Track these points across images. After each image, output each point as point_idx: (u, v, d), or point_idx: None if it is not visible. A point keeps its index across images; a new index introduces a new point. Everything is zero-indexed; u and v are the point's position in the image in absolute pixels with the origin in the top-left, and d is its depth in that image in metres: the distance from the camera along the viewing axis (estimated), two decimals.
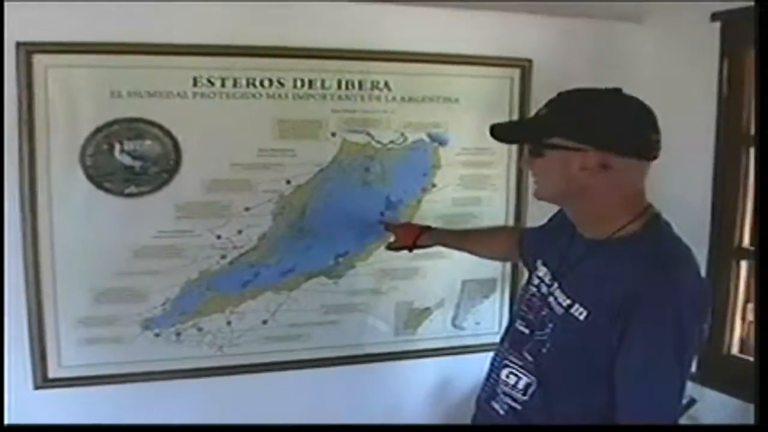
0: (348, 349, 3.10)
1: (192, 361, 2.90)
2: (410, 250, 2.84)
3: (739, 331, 3.08)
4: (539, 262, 2.02)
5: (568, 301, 1.77)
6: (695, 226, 2.99)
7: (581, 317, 1.71)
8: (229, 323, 2.92)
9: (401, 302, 3.14)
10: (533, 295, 1.96)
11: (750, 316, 3.05)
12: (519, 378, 1.88)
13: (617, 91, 1.75)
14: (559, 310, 1.79)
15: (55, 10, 2.52)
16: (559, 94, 1.81)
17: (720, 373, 3.03)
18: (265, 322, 2.96)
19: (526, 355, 1.86)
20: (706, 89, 2.97)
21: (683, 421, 2.89)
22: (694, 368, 2.94)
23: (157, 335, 2.84)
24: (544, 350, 1.81)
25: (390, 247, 2.92)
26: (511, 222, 3.16)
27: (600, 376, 1.67)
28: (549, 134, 1.75)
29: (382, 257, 3.05)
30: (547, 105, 1.82)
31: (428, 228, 2.83)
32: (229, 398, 2.96)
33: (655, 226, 1.75)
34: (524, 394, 1.85)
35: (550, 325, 1.82)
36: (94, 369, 2.80)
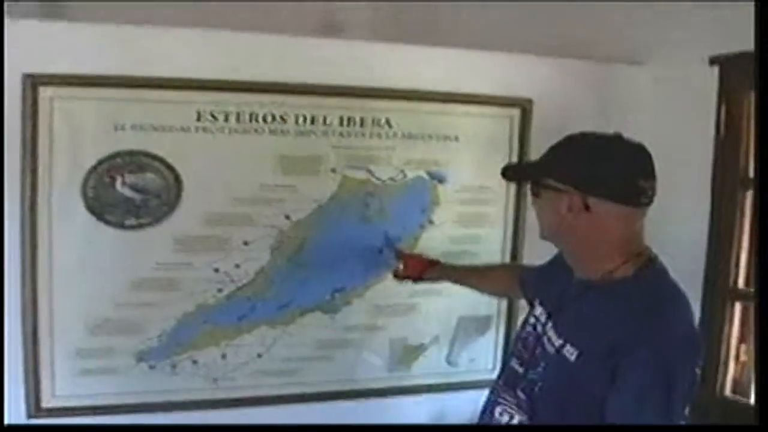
0: (342, 384, 3.09)
1: (186, 394, 2.89)
2: (415, 281, 2.85)
3: (732, 372, 3.09)
4: (536, 301, 2.05)
5: (560, 341, 1.79)
6: (691, 267, 3.02)
7: (572, 358, 1.73)
8: (224, 356, 2.91)
9: (396, 338, 3.14)
10: (529, 333, 1.98)
11: (743, 357, 3.06)
12: (512, 416, 1.89)
13: (618, 136, 1.78)
14: (551, 350, 1.81)
15: (61, 42, 2.55)
16: (565, 138, 1.85)
17: (714, 415, 3.04)
18: (260, 355, 2.95)
19: (520, 393, 1.88)
20: (704, 131, 3.00)
21: None
22: (687, 411, 3.00)
23: (151, 367, 2.83)
24: (536, 389, 1.83)
25: (396, 276, 2.93)
26: (507, 260, 3.15)
27: (592, 417, 1.67)
28: (541, 175, 1.83)
29: (379, 293, 3.06)
30: (550, 147, 1.87)
31: (436, 262, 2.85)
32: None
33: (648, 270, 1.77)
34: None
35: (543, 364, 1.84)
36: (87, 399, 2.79)
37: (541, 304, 2.01)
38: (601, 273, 1.77)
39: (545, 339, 1.86)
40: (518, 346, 2.01)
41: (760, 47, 2.08)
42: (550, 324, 1.88)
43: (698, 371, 1.69)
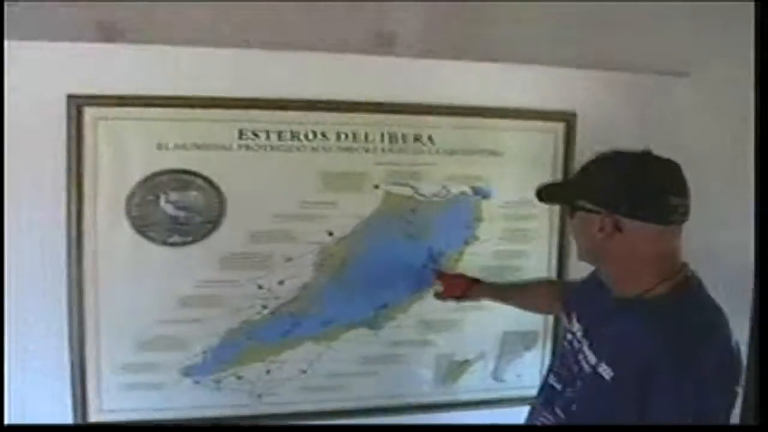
0: (387, 399, 3.09)
1: (231, 409, 2.91)
2: (458, 300, 2.84)
3: None
4: (574, 317, 2.04)
5: (595, 359, 1.79)
6: (739, 282, 2.97)
7: (607, 377, 1.72)
8: (268, 372, 2.92)
9: (441, 354, 3.12)
10: (566, 350, 1.98)
11: None
12: None
13: (648, 153, 1.78)
14: (587, 368, 1.81)
15: (105, 63, 2.59)
16: (595, 157, 1.84)
17: None
18: (304, 371, 2.96)
19: (558, 411, 1.88)
20: (747, 144, 2.95)
21: None
22: (751, 421, 2.94)
23: (196, 383, 2.86)
24: (574, 407, 1.83)
25: (438, 296, 2.91)
26: (553, 275, 3.13)
27: None
28: (573, 197, 1.82)
29: (423, 309, 3.05)
30: (581, 167, 1.86)
31: (477, 281, 2.83)
32: None
33: (685, 289, 1.75)
34: None
35: (579, 383, 1.84)
36: (133, 414, 2.83)
37: (578, 320, 2.00)
38: (637, 291, 1.76)
39: (581, 356, 1.86)
40: (557, 363, 2.01)
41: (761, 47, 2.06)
42: (586, 341, 1.88)
43: (739, 390, 1.68)
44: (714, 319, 1.72)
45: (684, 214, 1.73)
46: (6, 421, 2.62)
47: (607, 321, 1.84)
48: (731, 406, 1.67)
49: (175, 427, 2.85)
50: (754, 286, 2.13)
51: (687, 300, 1.73)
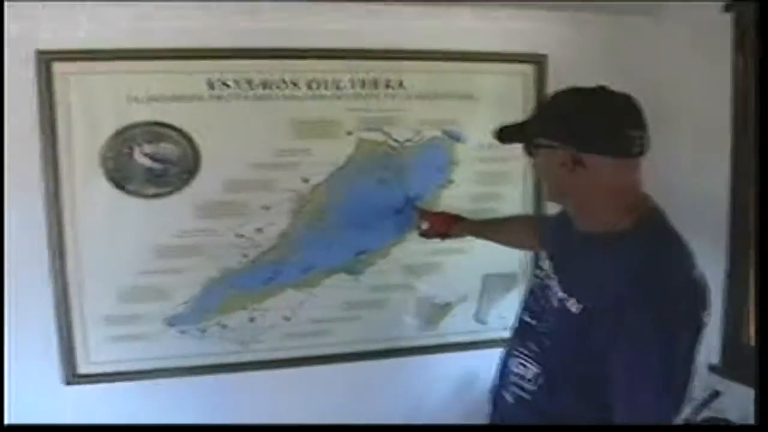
0: (370, 344, 3.14)
1: (216, 357, 2.96)
2: (442, 238, 2.88)
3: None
4: (544, 253, 2.06)
5: (564, 295, 1.80)
6: (714, 218, 3.00)
7: (576, 311, 1.74)
8: (252, 320, 2.97)
9: (423, 298, 3.17)
10: (537, 286, 1.99)
11: None
12: (527, 368, 1.90)
13: (602, 88, 1.77)
14: (556, 303, 1.82)
15: (72, 18, 2.61)
16: (552, 95, 1.86)
17: (743, 365, 3.02)
18: (287, 318, 3.01)
19: (532, 345, 1.89)
20: (721, 81, 2.96)
21: (707, 413, 2.89)
22: (717, 360, 2.98)
23: (181, 332, 2.91)
24: (547, 341, 1.85)
25: (423, 234, 2.95)
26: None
27: (599, 369, 1.67)
28: (532, 135, 1.84)
29: (403, 253, 3.09)
30: (538, 105, 1.87)
31: (460, 218, 2.87)
32: (253, 393, 3.02)
33: (648, 222, 1.76)
34: (533, 384, 1.88)
35: (550, 318, 1.86)
36: (121, 365, 2.88)
37: (547, 256, 2.02)
38: (601, 226, 1.78)
39: (550, 292, 1.88)
40: (528, 299, 2.03)
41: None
42: (555, 277, 1.89)
43: (706, 317, 1.69)
44: (677, 251, 1.73)
45: (642, 146, 1.73)
46: (6, 422, 2.65)
47: (574, 256, 1.87)
48: (699, 334, 1.69)
49: (180, 427, 2.89)
50: (755, 285, 2.14)
51: (650, 233, 1.74)
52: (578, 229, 1.87)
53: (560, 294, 1.81)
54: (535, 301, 1.97)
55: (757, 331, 2.06)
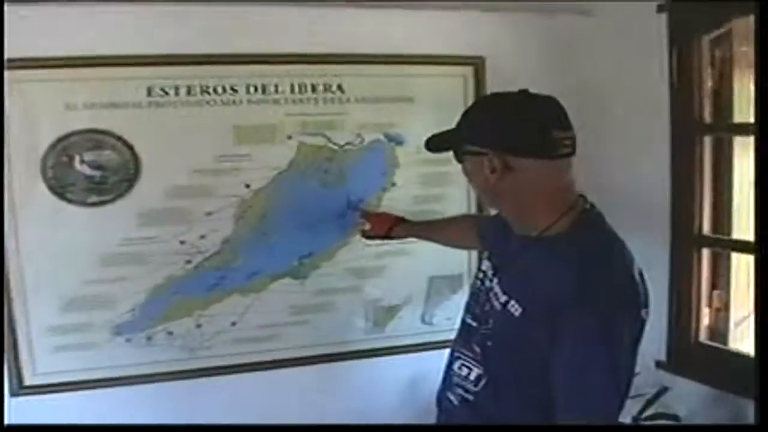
0: (318, 348, 3.15)
1: (164, 365, 2.96)
2: (383, 238, 2.91)
3: (707, 318, 3.11)
4: (485, 255, 2.08)
5: (505, 298, 1.82)
6: (656, 215, 3.05)
7: (516, 314, 1.76)
8: (198, 326, 2.98)
9: (369, 300, 3.20)
10: (479, 288, 2.01)
11: (717, 303, 3.08)
12: (470, 370, 1.92)
13: (523, 92, 1.80)
14: (498, 306, 1.84)
15: (8, 26, 2.59)
16: (476, 101, 1.89)
17: (690, 361, 3.07)
18: (234, 324, 3.02)
19: (475, 347, 1.90)
20: (657, 79, 3.01)
21: (655, 409, 2.92)
22: (664, 357, 3.01)
23: (128, 340, 2.90)
24: (489, 343, 1.86)
25: (365, 235, 2.98)
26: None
27: (541, 371, 1.68)
28: (460, 142, 1.85)
29: (347, 257, 3.12)
30: (463, 113, 1.89)
31: (402, 219, 2.90)
32: (202, 400, 3.02)
33: (584, 223, 1.78)
34: (475, 386, 1.89)
35: (491, 321, 1.86)
36: (68, 375, 2.86)
37: (488, 258, 2.05)
38: (537, 230, 1.79)
39: (492, 295, 1.89)
40: (470, 301, 2.04)
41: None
42: (496, 280, 1.91)
43: (645, 315, 1.72)
44: (613, 248, 1.76)
45: (570, 147, 1.75)
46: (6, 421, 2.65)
47: (513, 259, 1.88)
48: (639, 332, 1.71)
49: (180, 427, 2.91)
50: (755, 285, 2.17)
51: (586, 234, 1.76)
52: (516, 233, 1.89)
53: (502, 297, 1.83)
54: (476, 303, 1.98)
55: (757, 333, 2.08)
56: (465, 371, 1.93)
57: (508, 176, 1.74)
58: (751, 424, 2.46)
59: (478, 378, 1.88)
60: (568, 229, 1.76)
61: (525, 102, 1.78)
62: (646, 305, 1.73)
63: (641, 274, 1.75)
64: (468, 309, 2.04)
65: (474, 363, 1.90)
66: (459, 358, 1.98)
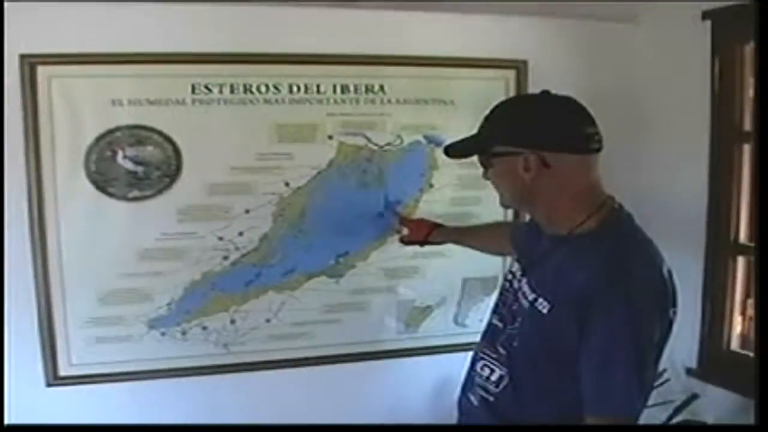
0: (350, 347, 3.16)
1: (198, 359, 2.98)
2: (422, 245, 2.92)
3: (740, 327, 3.10)
4: (514, 257, 2.09)
5: (533, 295, 1.82)
6: (693, 223, 3.04)
7: (544, 311, 1.76)
8: (233, 322, 2.99)
9: (403, 300, 3.20)
10: (506, 289, 2.02)
11: (750, 312, 3.07)
12: (492, 370, 1.92)
13: (545, 93, 1.83)
14: (526, 304, 1.84)
15: (56, 22, 2.63)
16: (495, 106, 1.89)
17: (721, 369, 3.06)
18: (268, 320, 3.03)
19: (500, 348, 1.91)
20: (699, 87, 3.00)
21: (684, 416, 2.93)
22: (695, 364, 3.01)
23: (163, 334, 2.93)
24: (515, 343, 1.86)
25: (402, 241, 3.00)
26: (510, 220, 3.16)
27: (566, 370, 1.70)
28: (489, 144, 1.85)
29: (383, 257, 3.13)
30: (485, 118, 1.89)
31: (439, 225, 2.91)
32: (235, 395, 3.04)
33: (614, 222, 1.79)
34: (496, 387, 1.90)
35: (519, 319, 1.87)
36: (103, 367, 2.89)
37: (517, 260, 2.05)
38: (567, 228, 1.79)
39: (520, 294, 1.90)
40: (498, 302, 2.05)
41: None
42: (524, 279, 1.91)
43: (673, 315, 1.73)
44: (642, 246, 1.77)
45: (600, 142, 1.78)
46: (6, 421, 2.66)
47: (542, 258, 1.88)
48: (666, 331, 1.73)
49: (184, 427, 2.92)
50: (756, 282, 2.17)
51: (616, 231, 1.76)
52: (546, 233, 1.90)
53: (530, 295, 1.84)
54: (503, 304, 2.00)
55: (757, 333, 2.08)
56: (487, 372, 1.94)
57: (544, 174, 1.75)
58: (751, 425, 2.45)
59: (500, 379, 1.89)
60: (598, 227, 1.77)
61: (552, 100, 1.81)
62: (674, 304, 1.74)
63: (670, 273, 1.75)
64: (495, 310, 2.05)
65: (497, 364, 1.91)
66: (482, 358, 1.99)
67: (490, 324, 2.04)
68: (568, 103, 1.79)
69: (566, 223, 1.80)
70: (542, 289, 1.81)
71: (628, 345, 1.61)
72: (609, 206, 1.81)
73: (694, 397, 3.00)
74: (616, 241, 1.74)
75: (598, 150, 1.77)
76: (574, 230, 1.78)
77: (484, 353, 1.98)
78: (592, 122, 1.77)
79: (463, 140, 1.98)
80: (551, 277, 1.80)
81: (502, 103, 1.89)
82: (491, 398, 1.91)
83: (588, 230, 1.77)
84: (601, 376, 1.64)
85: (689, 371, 3.12)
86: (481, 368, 1.97)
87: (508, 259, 3.00)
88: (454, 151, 2.03)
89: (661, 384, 2.82)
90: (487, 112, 1.89)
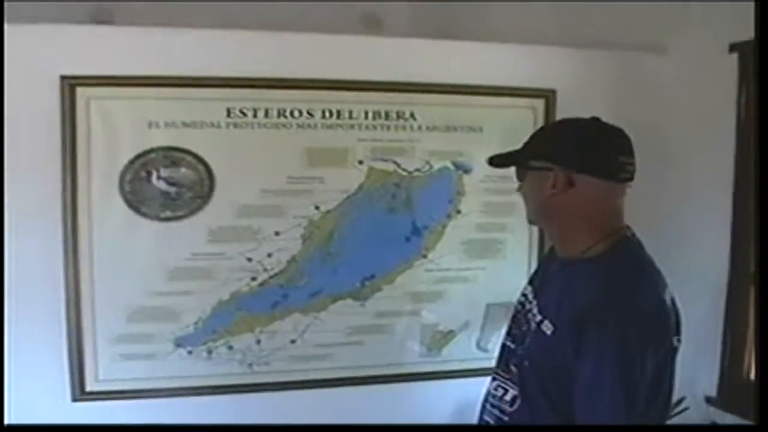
0: (373, 369, 3.18)
1: (222, 378, 3.00)
2: None
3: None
4: (527, 280, 2.13)
5: (540, 317, 1.86)
6: (715, 251, 3.06)
7: (548, 332, 1.79)
8: (258, 342, 3.02)
9: (426, 324, 3.22)
10: (519, 311, 2.05)
11: None
12: (506, 390, 1.94)
13: (596, 119, 1.87)
14: (534, 326, 1.87)
15: (95, 44, 2.68)
16: (545, 125, 1.94)
17: (741, 398, 3.07)
18: (293, 341, 3.06)
19: (512, 368, 1.94)
20: (726, 118, 3.03)
21: None
22: (715, 393, 3.03)
23: (189, 352, 2.95)
24: (525, 363, 1.88)
25: None
26: (534, 248, 3.22)
27: (570, 388, 1.72)
28: (525, 157, 1.91)
29: (408, 281, 3.14)
30: (532, 134, 1.95)
31: None
32: (257, 414, 3.04)
33: (621, 247, 1.82)
34: (511, 407, 1.91)
35: (527, 341, 1.90)
36: (128, 384, 2.92)
37: (530, 282, 2.09)
38: (579, 251, 1.83)
39: (530, 315, 1.93)
40: (511, 324, 2.09)
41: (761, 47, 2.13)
42: (534, 302, 1.95)
43: (676, 343, 1.75)
44: (646, 274, 1.80)
45: (631, 173, 1.81)
46: (6, 421, 2.67)
47: (551, 281, 1.94)
48: (669, 358, 1.74)
49: (180, 427, 2.92)
50: (756, 287, 2.18)
51: (621, 257, 1.80)
52: (558, 256, 1.94)
53: (538, 317, 1.87)
54: (516, 325, 2.03)
55: (757, 332, 2.09)
56: (501, 392, 1.96)
57: (568, 193, 1.80)
58: (751, 424, 2.46)
59: (514, 399, 1.91)
60: (605, 252, 1.80)
61: (596, 126, 1.85)
62: (677, 332, 1.76)
63: (673, 301, 1.78)
64: (509, 332, 2.08)
65: (510, 384, 1.93)
66: (496, 379, 2.02)
67: (504, 345, 2.08)
68: (612, 130, 1.83)
69: (577, 245, 1.84)
70: (548, 312, 1.84)
71: (614, 370, 1.63)
72: (622, 234, 1.85)
73: (714, 426, 3.02)
74: (618, 265, 1.78)
75: (627, 180, 1.81)
76: (583, 253, 1.82)
77: (498, 374, 2.02)
78: (629, 153, 1.80)
79: (507, 152, 2.02)
80: (556, 300, 1.84)
81: (549, 124, 1.94)
82: (506, 417, 1.93)
83: (595, 254, 1.81)
84: (587, 396, 1.67)
85: (709, 400, 3.13)
86: (495, 389, 2.00)
87: None
88: (497, 159, 2.06)
89: (681, 412, 2.85)
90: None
